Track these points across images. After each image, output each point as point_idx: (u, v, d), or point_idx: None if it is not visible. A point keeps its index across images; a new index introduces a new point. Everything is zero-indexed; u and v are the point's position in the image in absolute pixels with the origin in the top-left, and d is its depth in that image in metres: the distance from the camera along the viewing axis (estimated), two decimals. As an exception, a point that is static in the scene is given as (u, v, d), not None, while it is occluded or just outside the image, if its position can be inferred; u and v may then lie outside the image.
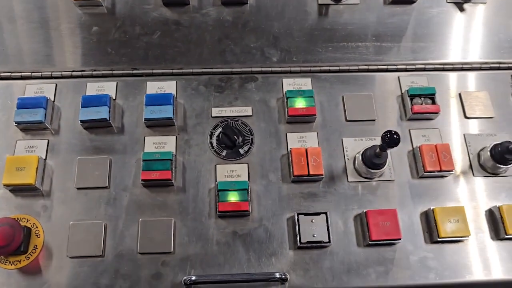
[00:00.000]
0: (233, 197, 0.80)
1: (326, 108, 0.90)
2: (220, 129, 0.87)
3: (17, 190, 0.82)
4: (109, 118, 0.86)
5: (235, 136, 0.85)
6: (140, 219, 0.80)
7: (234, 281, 0.74)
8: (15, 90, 0.90)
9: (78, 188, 0.82)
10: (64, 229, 0.80)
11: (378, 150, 0.79)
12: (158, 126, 0.87)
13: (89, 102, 0.86)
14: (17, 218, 0.78)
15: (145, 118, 0.85)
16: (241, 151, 0.86)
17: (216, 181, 0.83)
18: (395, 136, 0.74)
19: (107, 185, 0.82)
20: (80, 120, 0.85)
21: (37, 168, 0.81)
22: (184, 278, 0.75)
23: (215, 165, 0.85)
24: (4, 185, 0.81)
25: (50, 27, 0.94)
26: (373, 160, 0.81)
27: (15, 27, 0.94)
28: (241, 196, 0.80)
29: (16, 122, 0.85)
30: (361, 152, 0.84)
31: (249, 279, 0.75)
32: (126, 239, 0.79)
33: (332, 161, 0.86)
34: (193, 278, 0.74)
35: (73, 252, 0.78)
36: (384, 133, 0.74)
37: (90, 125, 0.86)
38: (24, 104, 0.86)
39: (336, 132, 0.88)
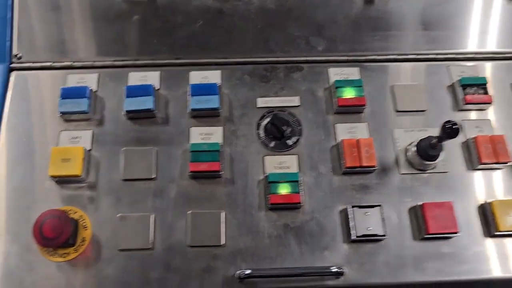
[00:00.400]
0: (284, 189, 0.78)
1: (374, 99, 0.88)
2: (267, 120, 0.85)
3: (63, 181, 0.80)
4: (154, 108, 0.83)
5: (284, 127, 0.82)
6: (189, 212, 0.78)
7: (290, 275, 0.72)
8: (56, 81, 0.88)
9: (124, 180, 0.80)
10: (111, 221, 0.78)
11: (435, 141, 0.77)
12: (204, 116, 0.85)
13: (133, 92, 0.84)
14: (64, 210, 0.76)
15: (191, 109, 0.83)
16: (289, 142, 0.84)
17: (264, 173, 0.81)
18: (454, 127, 0.71)
19: (154, 176, 0.80)
20: (126, 111, 0.83)
21: (83, 159, 0.80)
22: (238, 272, 0.73)
23: (263, 157, 0.82)
24: (50, 177, 0.79)
25: (90, 16, 0.92)
26: (428, 152, 0.79)
27: (55, 17, 0.92)
28: (293, 188, 0.78)
29: (60, 113, 0.83)
30: (414, 143, 0.81)
31: (306, 273, 0.72)
32: (175, 231, 0.77)
33: (382, 153, 0.83)
34: (248, 272, 0.72)
35: (122, 245, 0.76)
36: (445, 123, 0.72)
37: (134, 116, 0.84)
38: (67, 94, 0.84)
39: (386, 123, 0.86)
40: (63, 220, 0.73)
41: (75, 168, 0.79)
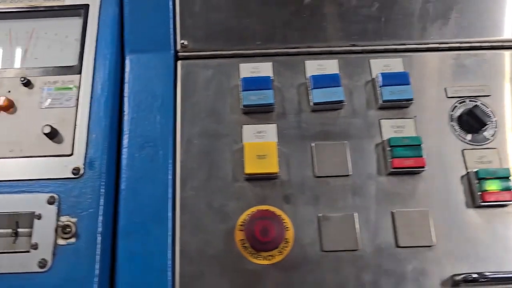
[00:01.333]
0: (494, 186, 0.74)
1: None
2: (459, 111, 0.80)
3: (254, 179, 0.76)
4: (344, 99, 0.78)
5: (487, 118, 0.77)
6: (394, 210, 0.74)
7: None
8: (227, 70, 0.83)
9: (317, 177, 0.76)
10: (311, 221, 0.74)
11: None
12: (393, 108, 0.80)
13: (321, 82, 0.79)
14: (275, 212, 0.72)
15: (383, 100, 0.78)
16: (487, 134, 0.79)
17: (467, 168, 0.76)
18: None
19: (349, 173, 0.76)
20: (314, 103, 0.78)
21: (277, 155, 0.75)
22: (464, 275, 0.69)
23: (462, 151, 0.78)
24: (246, 175, 0.74)
25: (259, 0, 0.86)
26: None
27: (220, 2, 0.86)
28: (504, 185, 0.73)
29: (245, 106, 0.78)
30: None
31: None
32: (381, 231, 0.73)
33: None
34: (474, 276, 0.68)
35: (327, 246, 0.72)
36: None
37: (319, 108, 0.79)
38: (250, 85, 0.79)
39: None
40: (277, 222, 0.69)
41: (272, 165, 0.74)
